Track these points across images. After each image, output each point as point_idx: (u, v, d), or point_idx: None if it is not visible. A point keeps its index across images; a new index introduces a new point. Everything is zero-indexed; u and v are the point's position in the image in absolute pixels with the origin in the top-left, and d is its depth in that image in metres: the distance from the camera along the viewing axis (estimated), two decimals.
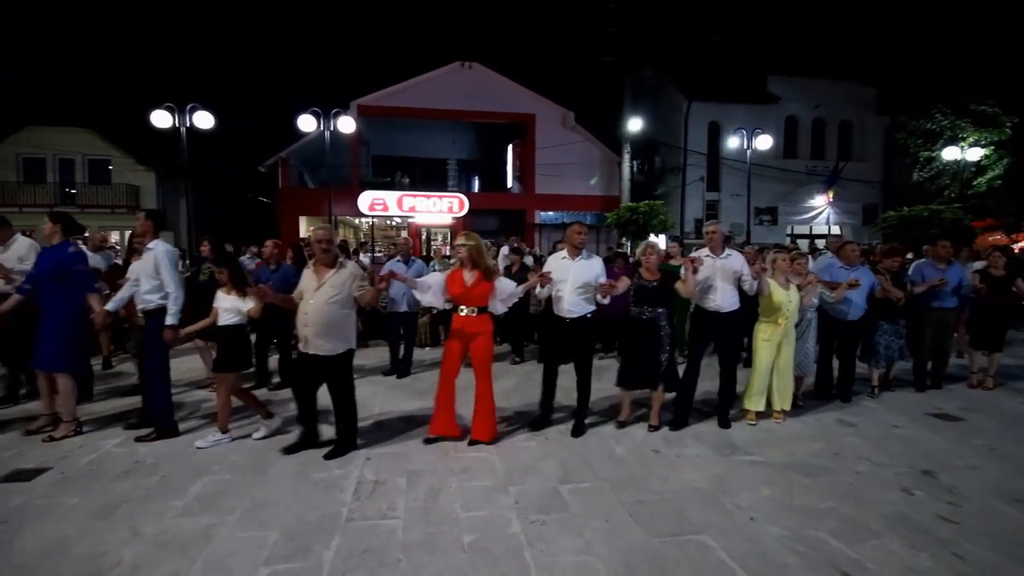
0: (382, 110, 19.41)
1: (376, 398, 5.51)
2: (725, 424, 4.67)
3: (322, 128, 12.99)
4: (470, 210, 19.28)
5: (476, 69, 19.82)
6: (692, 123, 20.24)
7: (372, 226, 20.35)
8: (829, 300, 5.15)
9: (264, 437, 4.32)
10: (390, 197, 18.88)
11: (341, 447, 4.04)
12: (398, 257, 6.73)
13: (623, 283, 4.48)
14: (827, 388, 5.55)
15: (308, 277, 3.97)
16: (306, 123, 12.82)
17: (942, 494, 3.48)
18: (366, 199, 18.50)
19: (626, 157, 18.63)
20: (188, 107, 11.29)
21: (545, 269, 4.47)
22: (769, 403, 4.87)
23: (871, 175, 21.32)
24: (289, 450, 4.04)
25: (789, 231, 20.76)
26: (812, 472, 3.81)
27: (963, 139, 14.04)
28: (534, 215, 20.54)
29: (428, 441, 4.25)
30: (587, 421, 4.67)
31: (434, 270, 7.71)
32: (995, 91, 13.61)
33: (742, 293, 4.74)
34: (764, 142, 16.10)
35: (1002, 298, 5.91)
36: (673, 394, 4.74)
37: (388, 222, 21.06)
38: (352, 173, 19.32)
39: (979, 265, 6.91)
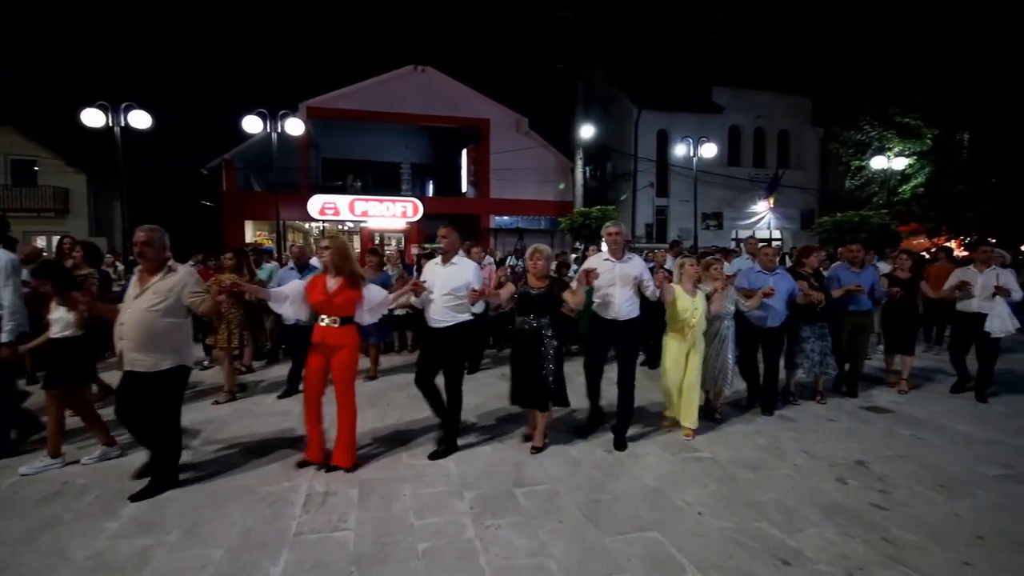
0: (332, 112, 19.01)
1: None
2: (621, 446, 4.29)
3: (269, 130, 12.59)
4: (424, 215, 19.13)
5: (430, 73, 19.71)
6: (642, 131, 20.80)
7: (323, 231, 19.87)
8: (744, 309, 4.90)
9: (95, 461, 3.92)
10: (341, 201, 18.49)
11: (153, 485, 3.46)
12: (290, 264, 6.33)
13: (506, 291, 4.26)
14: (765, 401, 5.27)
15: (132, 284, 3.57)
16: (252, 124, 12.37)
17: (873, 483, 3.70)
18: (316, 203, 18.06)
19: (579, 163, 18.94)
20: (123, 106, 10.72)
21: (422, 276, 4.16)
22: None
23: (808, 182, 22.52)
24: (138, 475, 3.64)
25: (734, 235, 21.61)
26: (755, 466, 3.97)
27: (889, 149, 15.03)
28: (489, 220, 20.58)
29: (300, 465, 3.88)
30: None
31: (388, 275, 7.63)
32: (916, 105, 14.65)
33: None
34: (709, 150, 16.80)
35: (909, 301, 6.01)
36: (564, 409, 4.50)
37: (340, 227, 20.60)
38: (301, 176, 18.82)
39: (886, 268, 7.03)
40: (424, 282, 4.05)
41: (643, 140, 20.83)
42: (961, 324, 5.88)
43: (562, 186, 21.10)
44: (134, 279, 3.57)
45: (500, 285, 5.16)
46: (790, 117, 22.52)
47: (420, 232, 19.53)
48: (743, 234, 21.77)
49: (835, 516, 3.23)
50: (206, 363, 7.14)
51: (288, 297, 3.89)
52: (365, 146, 22.41)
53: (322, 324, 3.82)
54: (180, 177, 23.33)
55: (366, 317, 3.94)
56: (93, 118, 10.54)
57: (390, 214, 18.94)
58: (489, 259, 7.42)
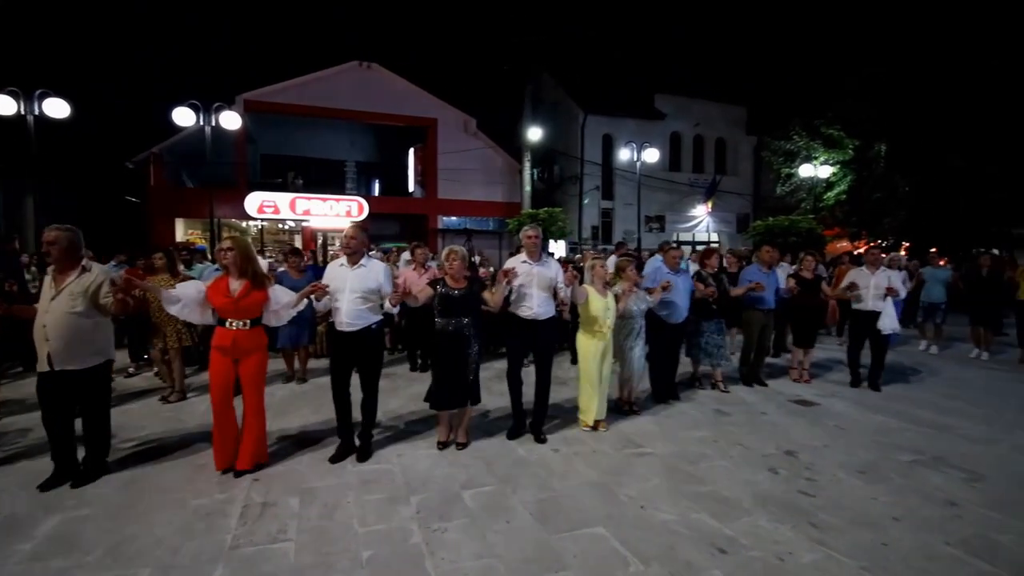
0: (272, 106, 18.25)
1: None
2: (540, 439, 4.44)
3: (202, 123, 11.95)
4: (370, 214, 18.70)
5: (375, 70, 19.31)
6: (588, 135, 21.20)
7: (261, 230, 19.08)
8: (650, 304, 5.15)
9: None
10: (281, 199, 17.78)
11: (92, 472, 3.62)
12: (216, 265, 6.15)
13: (423, 292, 4.20)
14: (666, 390, 5.66)
15: (47, 284, 3.49)
16: (183, 116, 11.69)
17: (801, 471, 3.93)
18: (254, 201, 17.28)
19: (527, 165, 19.09)
20: (37, 93, 9.89)
21: (325, 279, 3.99)
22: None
23: (743, 188, 23.65)
24: (44, 486, 3.50)
25: (675, 237, 22.38)
26: (695, 459, 4.13)
27: (815, 158, 16.01)
28: (437, 220, 20.38)
29: (226, 472, 3.77)
30: (489, 425, 4.70)
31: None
32: (839, 117, 15.68)
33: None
34: (651, 155, 17.40)
35: (812, 299, 6.45)
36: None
37: (280, 226, 19.85)
38: (238, 173, 17.98)
39: (792, 268, 7.48)
40: (327, 285, 3.92)
41: (589, 144, 21.23)
42: (857, 321, 6.32)
43: (528, 188, 21.21)
44: (48, 280, 3.50)
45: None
46: (727, 126, 23.57)
47: (367, 231, 19.09)
48: (684, 237, 22.61)
49: (767, 504, 3.41)
50: (131, 370, 6.72)
51: (182, 299, 3.71)
52: (307, 143, 21.69)
53: (230, 328, 3.68)
54: (102, 171, 21.76)
55: (272, 319, 3.87)
56: (3, 105, 9.68)
57: (334, 213, 18.38)
58: (433, 261, 7.35)
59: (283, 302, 3.86)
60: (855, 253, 7.81)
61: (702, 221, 22.88)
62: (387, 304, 4.05)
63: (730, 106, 23.43)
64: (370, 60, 19.25)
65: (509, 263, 4.51)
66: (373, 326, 4.03)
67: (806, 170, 16.07)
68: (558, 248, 17.51)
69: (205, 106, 11.89)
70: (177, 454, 4.15)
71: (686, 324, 5.64)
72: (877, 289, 6.02)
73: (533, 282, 4.37)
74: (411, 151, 22.19)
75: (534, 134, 18.43)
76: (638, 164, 17.11)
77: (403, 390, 6.07)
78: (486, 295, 4.17)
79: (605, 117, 21.31)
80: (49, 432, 3.55)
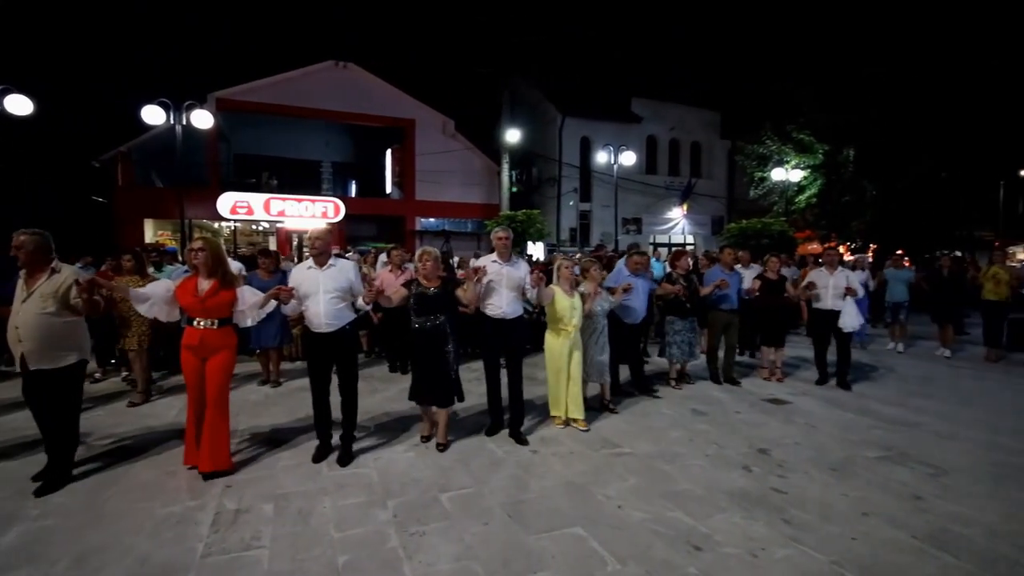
0: (245, 105, 17.92)
1: (238, 417, 5.06)
2: (520, 440, 4.48)
3: (172, 121, 11.66)
4: (347, 215, 18.49)
5: (351, 69, 19.12)
6: (565, 137, 21.32)
7: (235, 231, 18.71)
8: (612, 304, 5.30)
9: None
10: (255, 200, 17.44)
11: (56, 478, 3.57)
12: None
13: (398, 293, 4.30)
14: (637, 384, 5.99)
15: (19, 286, 3.55)
16: (153, 115, 11.39)
17: (774, 468, 4.01)
18: (227, 201, 16.92)
19: (505, 167, 19.11)
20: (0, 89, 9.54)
21: (293, 283, 4.00)
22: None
23: (717, 191, 24.06)
24: (40, 491, 3.47)
25: (652, 239, 22.65)
26: (671, 459, 4.18)
27: (787, 162, 16.37)
28: (415, 222, 20.26)
29: (193, 468, 3.79)
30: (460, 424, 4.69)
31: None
32: (809, 122, 16.07)
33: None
34: (628, 158, 17.61)
35: (777, 299, 6.56)
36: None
37: (253, 227, 19.49)
38: (210, 172, 17.61)
39: (759, 269, 7.57)
40: (294, 289, 3.92)
41: (567, 146, 21.35)
42: (816, 320, 6.52)
43: (514, 189, 21.36)
44: (20, 281, 3.58)
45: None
46: (702, 130, 23.96)
47: (342, 234, 18.88)
48: (660, 239, 22.90)
49: (741, 501, 3.47)
50: (98, 375, 6.52)
51: (151, 298, 3.77)
52: (282, 142, 21.35)
53: (198, 327, 3.73)
54: (68, 170, 21.08)
55: (240, 319, 3.91)
56: None
57: (309, 214, 18.10)
58: (410, 263, 7.31)
59: (250, 302, 3.88)
60: (819, 257, 8.06)
61: (678, 223, 23.20)
62: (360, 302, 4.09)
63: (704, 110, 23.82)
64: (346, 60, 19.06)
65: (479, 262, 4.61)
66: (348, 326, 4.08)
67: (778, 174, 16.42)
68: (536, 250, 17.56)
69: (176, 104, 11.60)
70: (146, 460, 4.04)
71: (644, 324, 5.89)
72: (836, 289, 6.19)
73: (502, 282, 4.47)
74: (388, 152, 22.03)
75: (512, 136, 18.47)
76: (615, 167, 17.30)
77: (379, 392, 6.01)
78: (459, 293, 4.24)
79: (583, 120, 21.47)
80: (41, 429, 3.65)
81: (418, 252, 4.39)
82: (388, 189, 22.21)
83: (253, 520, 3.18)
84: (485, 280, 4.35)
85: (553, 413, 4.93)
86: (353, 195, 22.45)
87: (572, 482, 3.74)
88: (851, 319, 6.13)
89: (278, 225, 18.50)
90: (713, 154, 24.30)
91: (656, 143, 23.35)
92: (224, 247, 4.05)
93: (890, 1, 15.21)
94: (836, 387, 6.34)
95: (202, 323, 3.72)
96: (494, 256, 4.58)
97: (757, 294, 6.46)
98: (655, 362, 7.28)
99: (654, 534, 3.06)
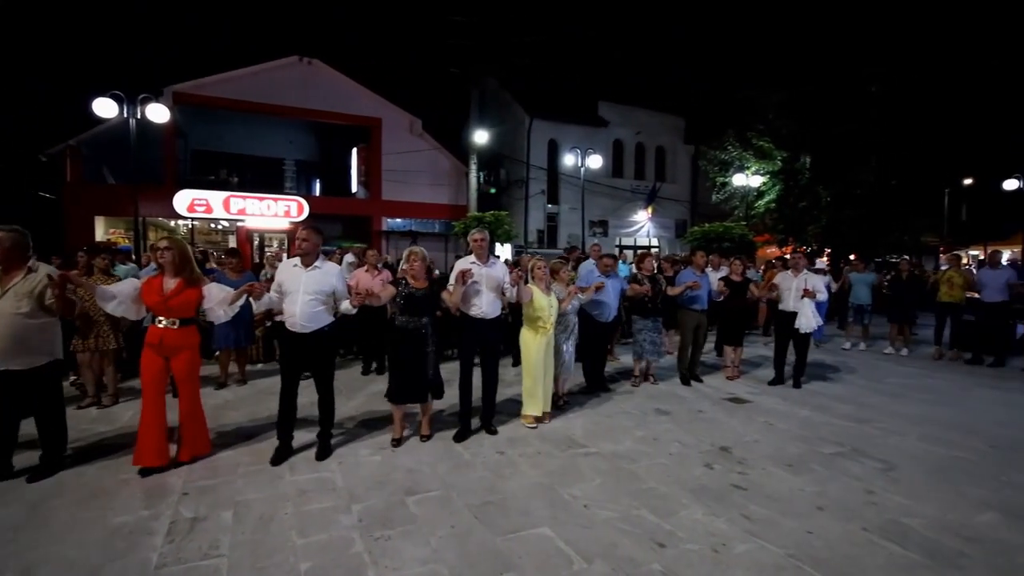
0: (204, 100, 17.32)
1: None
2: (491, 431, 4.70)
3: (126, 115, 11.19)
4: (311, 215, 18.10)
5: (316, 66, 18.73)
6: (534, 139, 21.42)
7: (192, 229, 18.08)
8: (582, 301, 5.50)
9: None
10: (215, 197, 16.89)
11: (47, 469, 3.69)
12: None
13: (386, 292, 4.31)
14: (596, 383, 6.15)
15: None
16: (105, 108, 10.91)
17: (735, 466, 4.12)
18: (184, 199, 16.34)
19: (473, 168, 19.06)
20: None
21: (277, 279, 4.06)
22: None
23: (681, 195, 24.61)
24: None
25: (618, 242, 22.98)
26: (636, 458, 4.25)
27: (748, 168, 16.85)
28: (381, 222, 20.00)
29: (144, 473, 3.69)
30: (430, 429, 4.66)
31: (266, 277, 7.12)
32: (769, 130, 16.60)
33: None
34: (595, 161, 17.83)
35: (740, 300, 6.85)
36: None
37: (212, 225, 18.87)
38: (166, 169, 16.96)
39: (724, 271, 7.88)
40: (264, 285, 3.99)
41: (535, 148, 21.46)
42: (779, 321, 6.74)
43: (492, 191, 21.46)
44: None
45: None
46: (666, 135, 24.46)
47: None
48: (626, 241, 23.25)
49: (703, 498, 3.55)
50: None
51: (116, 296, 3.73)
52: (243, 139, 20.74)
53: (159, 325, 3.76)
54: (11, 164, 19.97)
55: (211, 316, 3.94)
56: None
57: (271, 213, 17.64)
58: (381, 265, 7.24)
59: (218, 299, 3.88)
60: (786, 257, 8.32)
61: (643, 226, 23.61)
62: (345, 305, 4.11)
63: (669, 116, 24.33)
64: (311, 56, 18.67)
65: (460, 265, 4.65)
66: (326, 328, 4.07)
67: (739, 179, 16.89)
68: (504, 251, 17.58)
69: (129, 97, 11.15)
70: (98, 466, 3.86)
71: (615, 323, 6.01)
72: (798, 291, 6.39)
73: (482, 283, 4.55)
74: (354, 151, 21.68)
75: (480, 137, 18.45)
76: (582, 170, 17.50)
77: (345, 396, 5.90)
78: (444, 295, 4.37)
79: (550, 122, 21.62)
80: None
81: (406, 252, 4.47)
82: (354, 188, 21.86)
83: (211, 528, 3.07)
84: (470, 282, 4.41)
85: (527, 412, 4.95)
86: (317, 194, 22.02)
87: (539, 483, 3.76)
88: (807, 320, 6.31)
89: (238, 224, 17.98)
90: (677, 159, 24.84)
91: (622, 147, 23.72)
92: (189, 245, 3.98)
93: (844, 18, 15.87)
94: (791, 386, 6.56)
95: (163, 322, 3.74)
96: (472, 258, 4.65)
97: (726, 294, 6.63)
98: (623, 362, 7.40)
99: (620, 532, 3.10)
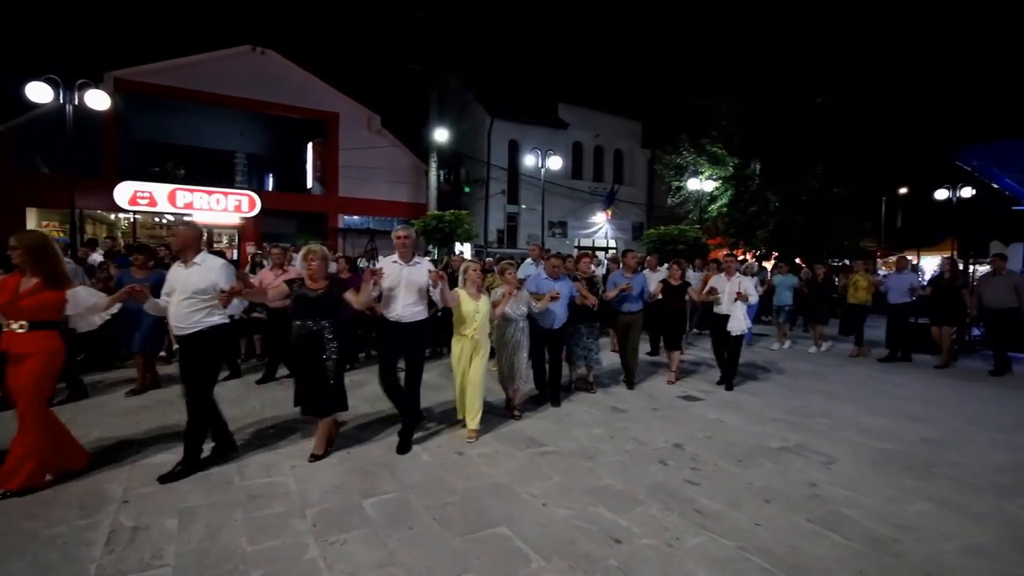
0: (148, 87, 16.48)
1: (141, 426, 4.66)
2: (404, 448, 4.25)
3: (62, 101, 10.53)
4: (263, 210, 17.52)
5: (270, 56, 18.14)
6: (494, 139, 21.44)
7: (134, 223, 17.19)
8: (535, 311, 5.22)
9: None
10: (159, 190, 16.11)
11: None
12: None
13: (275, 291, 4.09)
14: (549, 394, 5.73)
15: None
16: (39, 92, 10.22)
17: (688, 462, 4.24)
18: (125, 191, 15.52)
19: (433, 166, 18.90)
20: None
21: (167, 280, 3.82)
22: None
23: (638, 198, 25.17)
24: None
25: (577, 243, 23.27)
26: (593, 455, 4.31)
27: (701, 173, 17.40)
28: (338, 219, 19.56)
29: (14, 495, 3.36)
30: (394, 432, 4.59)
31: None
32: (721, 136, 17.19)
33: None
34: (555, 163, 18.02)
35: (678, 304, 6.78)
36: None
37: (157, 220, 17.99)
38: (106, 159, 16.06)
39: (663, 274, 7.82)
40: (144, 288, 3.75)
41: (495, 148, 21.48)
42: (714, 324, 6.70)
43: (467, 189, 21.21)
44: None
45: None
46: (624, 138, 24.97)
47: (257, 229, 17.87)
48: (585, 242, 23.57)
49: (658, 494, 3.64)
50: None
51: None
52: (191, 130, 19.88)
53: (7, 328, 3.44)
54: None
55: (80, 323, 3.67)
56: None
57: (221, 208, 16.96)
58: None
59: (86, 304, 3.57)
60: (720, 259, 8.56)
61: (602, 228, 24.00)
62: (234, 305, 3.83)
63: (627, 120, 24.85)
64: (265, 46, 18.08)
65: (380, 263, 4.50)
66: (207, 329, 3.72)
67: (693, 183, 17.41)
68: (464, 251, 17.51)
69: (66, 82, 10.49)
70: None
71: (564, 329, 5.73)
72: (731, 294, 6.38)
73: (401, 284, 4.27)
74: (310, 145, 21.14)
75: (441, 135, 18.32)
76: (543, 170, 17.63)
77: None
78: (349, 296, 4.05)
79: (512, 123, 21.70)
80: None
81: (303, 250, 4.12)
82: (309, 184, 21.31)
83: (154, 537, 2.93)
84: (385, 284, 4.21)
85: (460, 415, 4.84)
86: (270, 189, 21.34)
87: (497, 482, 3.76)
88: (738, 323, 6.33)
89: (185, 218, 17.21)
90: (635, 162, 25.39)
91: (582, 149, 24.05)
92: (54, 242, 3.63)
93: (792, 29, 16.57)
94: (741, 386, 6.80)
95: (12, 325, 3.40)
96: (395, 257, 4.38)
97: (660, 297, 6.59)
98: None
99: (577, 529, 3.14)
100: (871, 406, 5.98)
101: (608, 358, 7.40)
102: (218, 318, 3.80)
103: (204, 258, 3.78)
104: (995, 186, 12.12)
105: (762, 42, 16.73)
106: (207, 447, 3.93)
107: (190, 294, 3.65)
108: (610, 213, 23.59)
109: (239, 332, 7.07)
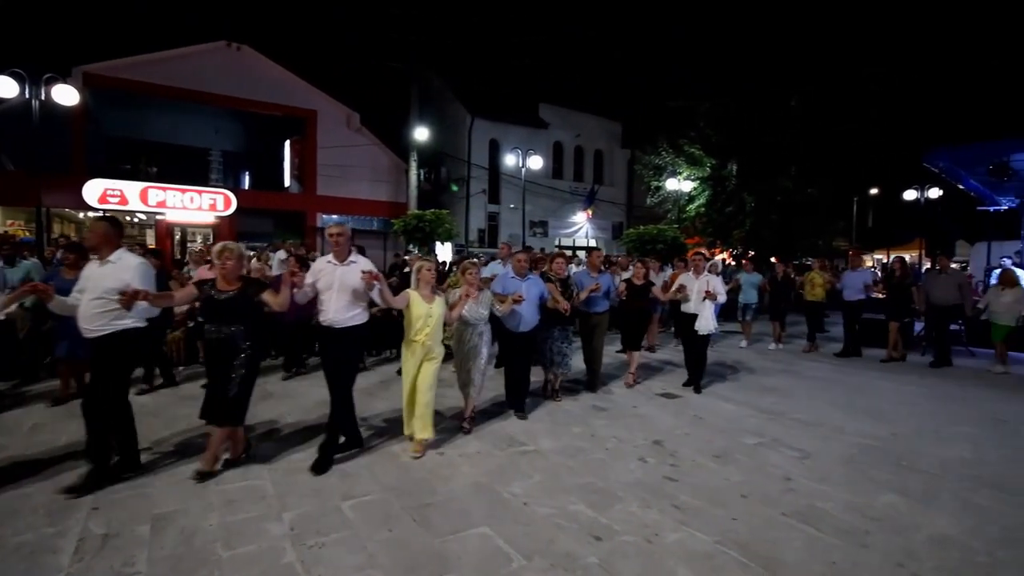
0: (119, 83, 16.04)
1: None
2: (319, 466, 3.81)
3: (28, 96, 10.20)
4: (239, 209, 17.19)
5: (246, 52, 17.81)
6: (475, 138, 21.39)
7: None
8: (498, 313, 4.86)
9: None
10: (131, 188, 15.70)
11: None
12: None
13: (182, 293, 3.87)
14: (514, 402, 5.32)
15: None
16: (4, 87, 9.87)
17: (667, 458, 4.28)
18: (95, 189, 15.09)
19: (413, 165, 18.77)
20: None
21: (80, 280, 3.62)
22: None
23: (618, 198, 25.37)
24: None
25: (557, 242, 23.35)
26: (574, 454, 4.33)
27: (680, 173, 17.60)
28: (316, 218, 19.31)
29: None
30: (365, 435, 4.55)
31: (189, 276, 6.71)
32: (699, 137, 17.42)
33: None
34: (536, 162, 18.06)
35: (641, 304, 6.54)
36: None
37: (129, 219, 17.54)
38: (75, 156, 15.60)
39: (627, 275, 7.76)
40: (50, 286, 3.57)
41: (476, 147, 21.43)
42: (682, 323, 6.61)
43: (455, 188, 21.02)
44: None
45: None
46: (604, 138, 25.15)
47: (233, 229, 17.53)
48: (565, 242, 23.66)
49: (637, 491, 3.67)
50: None
51: None
52: (164, 127, 19.41)
53: None
54: None
55: None
56: None
57: (195, 206, 16.60)
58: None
59: None
60: (688, 257, 8.51)
61: (582, 227, 24.13)
62: (140, 307, 3.45)
63: (607, 120, 25.03)
64: (241, 41, 17.75)
65: (316, 264, 4.17)
66: (117, 332, 3.48)
67: (672, 184, 17.61)
68: (444, 251, 17.43)
69: (33, 76, 10.16)
70: None
71: (534, 333, 5.34)
72: (699, 293, 6.18)
73: (334, 285, 3.90)
74: (287, 143, 20.82)
75: (421, 134, 18.21)
76: (523, 170, 17.65)
77: (274, 399, 5.66)
78: (267, 298, 3.68)
79: (492, 122, 21.68)
80: None
81: (218, 247, 3.73)
82: (287, 182, 20.99)
83: (125, 544, 2.86)
84: (318, 283, 3.90)
85: (405, 431, 4.37)
86: (247, 187, 20.97)
87: (478, 482, 3.75)
88: (706, 322, 6.15)
89: (158, 217, 16.82)
90: (614, 162, 25.58)
91: (562, 149, 24.15)
92: None
93: (768, 36, 16.89)
94: (717, 382, 6.89)
95: None
96: (330, 256, 4.03)
97: (624, 297, 6.28)
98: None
99: (558, 528, 3.15)
100: (840, 402, 6.12)
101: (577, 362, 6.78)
102: (131, 321, 3.53)
103: (120, 256, 3.58)
104: (961, 187, 12.49)
105: (737, 45, 17.00)
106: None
107: (100, 294, 3.43)
108: (590, 213, 23.74)
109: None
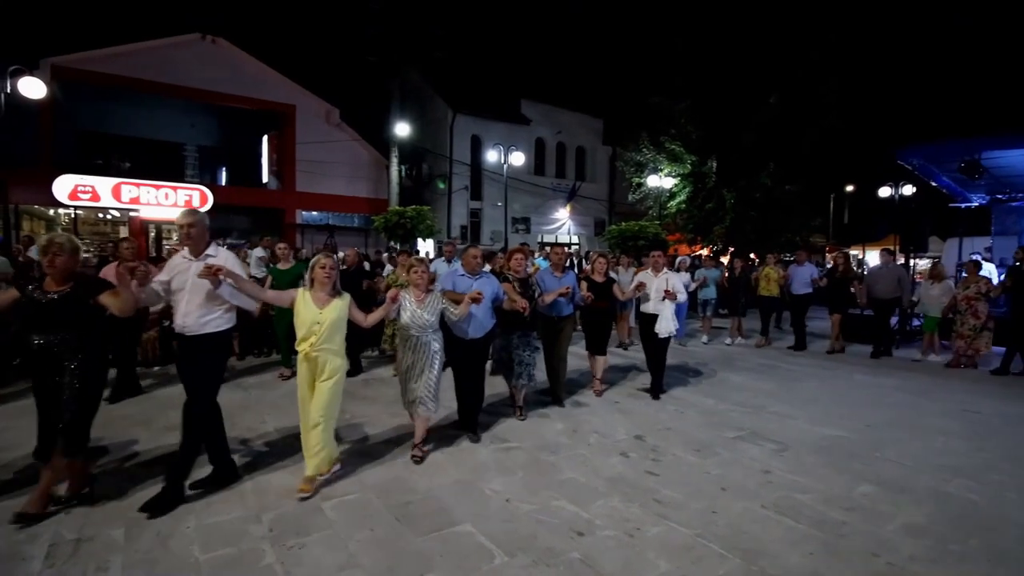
0: (89, 75, 15.60)
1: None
2: (157, 506, 3.14)
3: None
4: (215, 205, 16.86)
5: (221, 45, 17.47)
6: (457, 134, 21.28)
7: (75, 219, 16.29)
8: (453, 318, 4.12)
9: None
10: (102, 184, 15.30)
11: None
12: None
13: (6, 297, 3.18)
14: (466, 420, 4.66)
15: None
16: None
17: (648, 453, 4.32)
18: (65, 184, 14.68)
19: (394, 161, 18.61)
20: None
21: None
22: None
23: (600, 194, 25.47)
24: None
25: (540, 239, 23.37)
26: (556, 450, 4.35)
27: (661, 170, 17.74)
28: (295, 215, 19.04)
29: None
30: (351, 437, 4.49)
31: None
32: (680, 134, 17.57)
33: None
34: (518, 159, 18.03)
35: (602, 303, 5.86)
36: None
37: (100, 216, 17.11)
38: (43, 151, 15.15)
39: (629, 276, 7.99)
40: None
41: (458, 144, 21.33)
42: (643, 323, 6.06)
43: (441, 185, 20.80)
44: None
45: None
46: (586, 135, 25.23)
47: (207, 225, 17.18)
48: (548, 238, 23.69)
49: (619, 486, 3.69)
50: None
51: None
52: (137, 121, 18.93)
53: None
54: None
55: None
56: None
57: (170, 203, 16.24)
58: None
59: None
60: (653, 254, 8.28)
61: (564, 224, 24.19)
62: None
63: (589, 117, 25.09)
64: (216, 34, 17.39)
65: (172, 259, 3.55)
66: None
67: (653, 180, 17.73)
68: (426, 247, 17.33)
69: None
70: None
71: (488, 339, 4.70)
72: (658, 292, 5.72)
73: (187, 285, 3.31)
74: (265, 138, 20.49)
75: (402, 129, 18.06)
76: (505, 166, 17.61)
77: (257, 397, 5.57)
78: (105, 300, 3.10)
79: (474, 118, 21.59)
80: None
81: (43, 240, 3.17)
82: (265, 178, 20.66)
83: (99, 549, 2.79)
84: (172, 282, 3.34)
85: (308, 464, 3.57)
86: (223, 183, 20.59)
87: (460, 479, 3.74)
88: (666, 324, 5.70)
89: (131, 214, 16.43)
90: (596, 159, 25.68)
91: (544, 145, 24.16)
92: None
93: (745, 34, 17.05)
94: (699, 376, 6.97)
95: None
96: (185, 251, 3.42)
97: (590, 299, 5.49)
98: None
99: (540, 524, 3.16)
100: (821, 395, 6.25)
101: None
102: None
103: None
104: (934, 184, 12.79)
105: (717, 43, 17.15)
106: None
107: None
108: (571, 209, 23.81)
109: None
